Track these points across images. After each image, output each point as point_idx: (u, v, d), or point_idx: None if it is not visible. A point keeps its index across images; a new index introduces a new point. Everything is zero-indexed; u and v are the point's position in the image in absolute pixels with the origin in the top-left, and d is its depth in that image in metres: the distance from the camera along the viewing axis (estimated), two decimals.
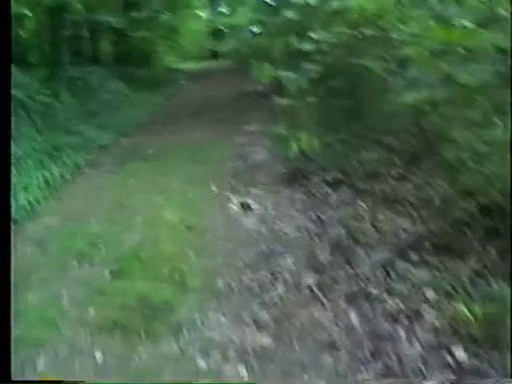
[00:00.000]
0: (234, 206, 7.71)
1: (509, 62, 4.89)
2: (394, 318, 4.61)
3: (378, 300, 4.90)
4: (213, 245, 6.51)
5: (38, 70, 14.71)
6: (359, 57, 7.25)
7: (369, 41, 7.12)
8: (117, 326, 4.81)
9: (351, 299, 4.98)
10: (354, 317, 4.74)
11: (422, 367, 4.01)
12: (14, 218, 7.46)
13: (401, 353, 4.20)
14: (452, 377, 3.88)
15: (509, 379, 3.83)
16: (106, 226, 7.25)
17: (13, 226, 7.21)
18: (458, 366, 3.95)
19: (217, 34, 31.47)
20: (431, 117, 5.95)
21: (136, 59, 22.64)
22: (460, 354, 4.04)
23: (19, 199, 8.07)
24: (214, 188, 8.55)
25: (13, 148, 9.57)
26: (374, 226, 6.18)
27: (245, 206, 7.61)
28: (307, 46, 7.47)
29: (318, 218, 6.81)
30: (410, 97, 5.30)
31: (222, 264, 5.97)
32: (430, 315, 4.55)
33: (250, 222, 7.15)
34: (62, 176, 9.67)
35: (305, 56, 7.68)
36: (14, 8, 15.00)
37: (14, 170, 8.92)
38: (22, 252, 6.55)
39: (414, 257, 5.39)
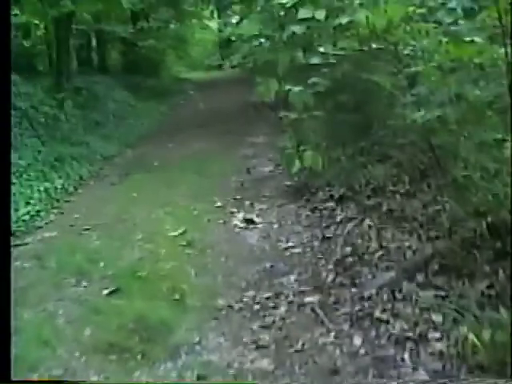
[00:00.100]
0: (238, 221, 7.57)
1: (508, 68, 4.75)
2: (398, 342, 4.45)
3: (383, 323, 4.74)
4: (214, 262, 6.38)
5: (44, 80, 14.66)
6: (367, 71, 7.12)
7: (377, 55, 6.98)
8: (113, 348, 4.66)
9: (355, 321, 4.83)
10: (357, 340, 4.58)
11: None
12: (14, 231, 7.36)
13: (405, 378, 4.04)
14: None
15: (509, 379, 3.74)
16: (106, 241, 7.14)
17: (13, 240, 7.12)
18: None
19: (225, 44, 31.44)
20: (441, 133, 5.79)
21: (144, 69, 22.57)
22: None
23: (20, 212, 7.96)
24: (217, 202, 8.41)
25: (15, 159, 9.51)
26: (379, 244, 6.02)
27: (248, 222, 7.47)
28: (314, 60, 7.34)
29: (323, 234, 6.67)
30: (420, 116, 5.15)
31: (223, 282, 5.84)
32: (435, 340, 4.39)
33: (253, 237, 7.03)
34: (64, 188, 9.58)
35: (312, 70, 7.55)
36: (21, 18, 15.01)
37: (15, 182, 8.84)
38: (20, 267, 6.46)
39: (420, 278, 5.22)
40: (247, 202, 8.30)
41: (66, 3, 13.44)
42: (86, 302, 5.55)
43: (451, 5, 6.41)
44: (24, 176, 9.34)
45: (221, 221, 7.70)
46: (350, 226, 6.72)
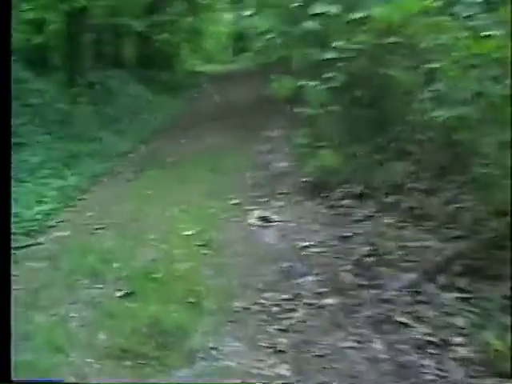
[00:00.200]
0: (254, 219, 7.46)
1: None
2: (420, 347, 4.33)
3: (404, 326, 4.62)
4: (230, 262, 6.26)
5: (57, 76, 14.59)
6: (383, 66, 7.00)
7: (393, 50, 6.86)
8: (127, 354, 4.55)
9: (375, 325, 4.71)
10: (377, 344, 4.46)
11: None
12: (26, 231, 7.28)
13: None
14: None
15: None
16: (120, 241, 7.04)
17: (25, 240, 7.05)
18: None
19: (240, 37, 31.34)
20: (461, 130, 5.66)
21: (158, 62, 22.51)
22: None
23: (33, 210, 7.87)
24: (233, 199, 8.30)
25: (28, 156, 9.43)
26: (400, 244, 5.89)
27: (265, 220, 7.35)
28: (329, 55, 7.22)
29: (341, 233, 6.54)
30: (440, 114, 5.03)
31: (240, 283, 5.71)
32: (458, 345, 4.27)
33: (269, 236, 6.91)
34: (77, 186, 9.48)
35: (326, 65, 7.43)
36: (33, 13, 14.95)
37: (28, 180, 8.76)
38: (32, 267, 6.38)
39: (441, 279, 5.10)
40: (263, 199, 8.18)
41: None
42: (99, 304, 5.43)
43: None
44: (37, 174, 9.28)
45: (236, 219, 7.60)
46: (368, 224, 6.60)
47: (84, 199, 9.07)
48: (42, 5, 14.68)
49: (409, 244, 5.85)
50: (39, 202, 8.27)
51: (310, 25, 7.77)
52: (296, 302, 5.23)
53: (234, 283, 5.73)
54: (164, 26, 22.01)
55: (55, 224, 7.86)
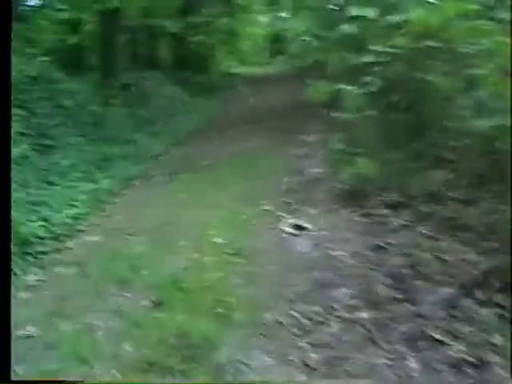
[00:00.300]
0: (287, 226, 7.31)
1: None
2: (456, 366, 4.15)
3: (440, 344, 4.44)
4: (261, 271, 6.11)
5: (90, 77, 14.58)
6: (421, 71, 6.82)
7: (432, 54, 6.68)
8: (152, 367, 4.44)
9: (410, 341, 4.53)
10: (412, 362, 4.29)
11: None
12: (56, 235, 7.23)
13: None
14: None
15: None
16: (150, 247, 6.95)
17: (54, 244, 7.00)
18: None
19: (276, 39, 31.26)
20: (500, 138, 5.47)
21: (193, 64, 22.54)
22: None
23: (62, 214, 7.81)
24: (266, 205, 8.16)
25: (59, 159, 9.39)
26: (436, 256, 5.70)
27: (298, 227, 7.20)
28: (366, 59, 7.05)
29: (376, 243, 6.35)
30: (481, 123, 4.84)
31: (270, 294, 5.56)
32: (496, 365, 4.08)
33: (302, 244, 6.76)
34: (109, 189, 9.42)
35: (363, 69, 7.26)
36: (68, 14, 14.98)
37: (58, 183, 8.72)
38: (61, 273, 6.33)
39: (479, 295, 4.90)
40: (297, 206, 8.03)
41: None
42: (126, 314, 5.34)
43: None
44: (68, 177, 9.23)
45: (269, 226, 7.46)
46: (404, 234, 6.41)
47: (115, 203, 9.00)
48: (77, 5, 14.69)
49: (445, 256, 5.66)
50: (69, 206, 8.21)
51: (346, 28, 7.63)
52: (328, 315, 5.07)
53: (265, 293, 5.58)
54: (199, 27, 22.05)
55: (85, 228, 7.79)
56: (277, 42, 33.40)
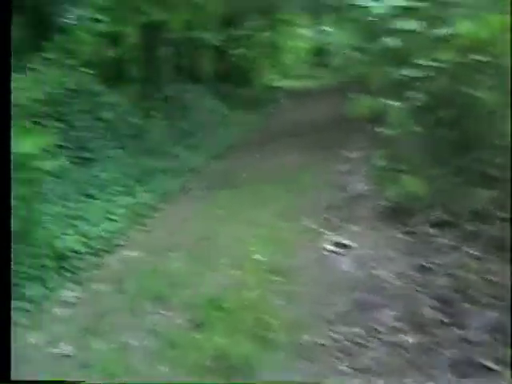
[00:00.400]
0: (329, 243, 7.16)
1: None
2: None
3: (488, 371, 4.25)
4: (302, 290, 5.97)
5: (131, 90, 14.58)
6: (467, 85, 6.64)
7: (479, 69, 6.50)
8: None
9: (456, 367, 4.35)
10: None
11: None
12: (94, 250, 7.17)
13: None
14: None
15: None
16: (189, 264, 6.86)
17: (92, 259, 6.95)
18: None
19: (318, 52, 31.16)
20: None
21: (235, 77, 22.49)
22: None
23: (100, 228, 7.75)
24: (307, 222, 8.01)
25: (98, 172, 9.36)
26: (484, 277, 5.51)
27: (340, 245, 7.04)
28: (411, 73, 6.89)
29: (421, 264, 6.17)
30: None
31: (311, 314, 5.42)
32: None
33: (344, 263, 6.61)
34: (148, 203, 9.33)
35: (408, 84, 7.10)
36: (109, 26, 15.03)
37: (97, 197, 8.68)
38: (98, 290, 6.25)
39: None
40: (339, 223, 7.86)
41: (154, 11, 13.36)
42: (162, 333, 5.23)
43: None
44: (107, 190, 9.16)
45: (310, 243, 7.31)
46: (449, 254, 6.22)
47: (154, 217, 8.90)
48: (118, 17, 14.73)
49: (493, 278, 5.46)
50: (108, 220, 8.14)
51: (390, 41, 7.47)
52: (370, 338, 4.91)
53: (305, 313, 5.45)
54: (241, 40, 22.02)
55: (123, 243, 7.70)
56: (319, 56, 33.31)
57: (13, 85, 9.28)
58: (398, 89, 7.43)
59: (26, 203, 6.53)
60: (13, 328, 5.23)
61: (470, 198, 6.75)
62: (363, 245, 7.03)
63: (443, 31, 6.54)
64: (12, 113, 4.22)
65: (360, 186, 9.62)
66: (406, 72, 7.08)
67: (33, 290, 5.92)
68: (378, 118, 7.85)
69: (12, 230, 4.14)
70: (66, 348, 5.02)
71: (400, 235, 7.12)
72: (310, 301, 5.72)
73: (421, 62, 6.89)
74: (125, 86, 14.64)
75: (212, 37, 19.54)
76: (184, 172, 11.63)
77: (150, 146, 12.12)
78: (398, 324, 5.07)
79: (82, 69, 11.80)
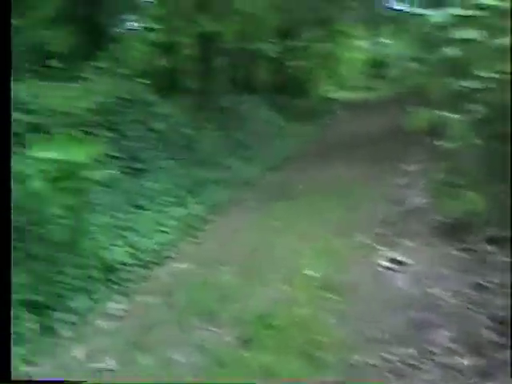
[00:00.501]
0: (383, 259, 6.96)
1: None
2: None
3: None
4: (354, 308, 5.80)
5: (183, 101, 14.52)
6: None
7: None
8: None
9: None
10: None
11: None
12: (143, 263, 7.07)
13: None
14: None
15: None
16: (239, 278, 6.71)
17: (142, 271, 6.85)
18: None
19: (375, 64, 30.90)
20: None
21: (291, 88, 22.42)
22: None
23: (151, 240, 7.65)
24: (362, 237, 7.81)
25: (149, 182, 9.30)
26: None
27: (394, 261, 6.83)
28: (471, 85, 6.67)
29: (478, 282, 5.94)
30: None
31: (363, 333, 5.23)
32: None
33: (398, 280, 6.41)
34: (200, 215, 9.23)
35: (468, 96, 6.88)
36: (164, 36, 15.06)
37: (148, 208, 8.60)
38: (147, 303, 6.14)
39: None
40: (394, 238, 7.65)
41: (209, 22, 13.32)
42: (209, 349, 5.09)
43: None
44: (158, 201, 9.08)
45: (364, 258, 7.12)
46: (508, 273, 5.97)
47: (206, 230, 8.78)
48: (172, 27, 14.73)
49: None
50: (158, 232, 8.05)
51: (449, 51, 7.26)
52: (424, 359, 4.70)
53: (358, 332, 5.26)
54: (297, 51, 21.94)
55: (174, 256, 7.59)
56: (376, 67, 33.03)
57: (65, 94, 9.36)
58: (457, 100, 7.21)
59: (74, 213, 6.48)
60: (57, 340, 5.18)
61: None
62: (419, 262, 6.82)
63: (504, 41, 6.31)
64: (11, 112, 4.06)
65: (417, 200, 9.39)
66: (466, 83, 6.87)
67: (78, 301, 5.83)
68: (436, 130, 7.64)
69: (12, 230, 3.97)
70: (110, 362, 4.91)
71: (456, 252, 6.90)
72: (362, 319, 5.53)
73: (482, 73, 6.68)
74: (178, 96, 14.60)
75: (268, 48, 19.49)
76: (238, 184, 11.51)
77: (203, 156, 12.05)
78: (452, 345, 4.86)
79: (135, 78, 11.81)
